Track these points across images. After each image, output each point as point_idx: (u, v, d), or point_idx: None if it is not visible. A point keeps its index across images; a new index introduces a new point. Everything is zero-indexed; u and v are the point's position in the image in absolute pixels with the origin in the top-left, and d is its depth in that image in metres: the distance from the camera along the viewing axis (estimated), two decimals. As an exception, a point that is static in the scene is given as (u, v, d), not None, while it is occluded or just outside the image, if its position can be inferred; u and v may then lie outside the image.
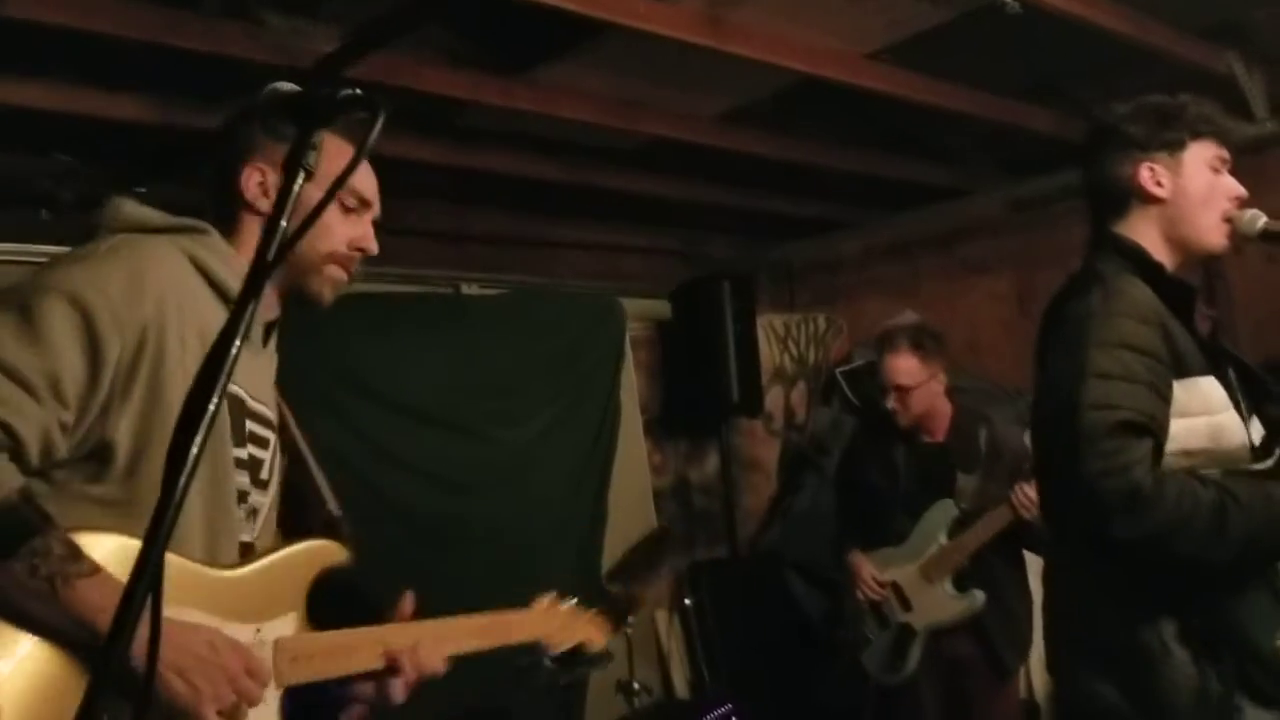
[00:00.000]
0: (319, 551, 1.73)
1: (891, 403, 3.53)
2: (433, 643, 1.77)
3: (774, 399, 5.68)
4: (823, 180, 5.05)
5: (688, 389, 5.28)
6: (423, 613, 3.76)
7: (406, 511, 4.10)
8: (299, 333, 4.04)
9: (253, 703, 1.53)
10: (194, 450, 0.96)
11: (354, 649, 1.70)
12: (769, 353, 5.65)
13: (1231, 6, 3.71)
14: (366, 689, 1.74)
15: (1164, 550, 1.76)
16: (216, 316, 1.63)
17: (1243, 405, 1.97)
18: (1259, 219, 2.03)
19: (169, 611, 1.01)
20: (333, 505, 1.78)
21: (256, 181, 1.72)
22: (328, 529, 1.75)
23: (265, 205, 1.72)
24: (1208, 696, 1.78)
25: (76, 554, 1.41)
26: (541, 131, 4.08)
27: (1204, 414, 1.88)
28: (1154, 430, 1.81)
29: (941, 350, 3.58)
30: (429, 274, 4.78)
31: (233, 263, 1.70)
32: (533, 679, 3.61)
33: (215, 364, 0.99)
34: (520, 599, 4.30)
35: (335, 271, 1.79)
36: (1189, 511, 1.75)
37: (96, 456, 1.51)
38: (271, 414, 1.82)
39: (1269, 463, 1.90)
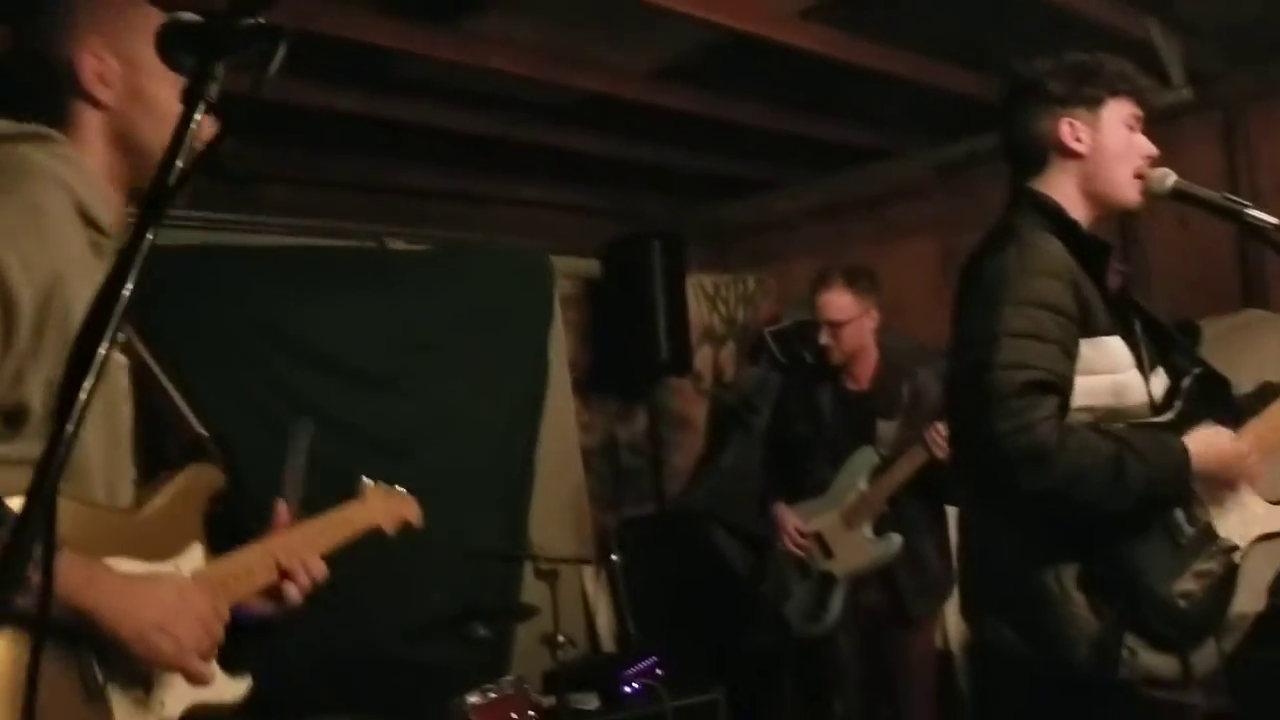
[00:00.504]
0: (204, 478, 1.70)
1: (825, 338, 3.59)
2: (307, 547, 1.79)
3: (703, 358, 5.71)
4: (753, 140, 5.06)
5: (617, 348, 5.28)
6: (351, 568, 3.74)
7: (329, 467, 4.02)
8: (221, 286, 4.01)
9: (219, 642, 1.54)
10: (82, 395, 0.92)
11: (253, 567, 1.71)
12: (698, 312, 5.67)
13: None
14: (264, 604, 1.75)
15: (1065, 500, 1.82)
16: (80, 243, 1.50)
17: (1146, 361, 2.03)
18: (1169, 177, 2.07)
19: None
20: (196, 425, 1.73)
21: (93, 68, 1.53)
22: (195, 451, 1.71)
23: (108, 97, 1.55)
24: (1104, 640, 1.84)
25: None
26: (470, 84, 4.03)
27: (1108, 372, 1.94)
28: (1061, 388, 1.86)
29: (874, 290, 3.64)
30: (354, 227, 4.72)
31: (93, 183, 1.54)
32: (461, 633, 3.62)
33: (106, 304, 0.95)
34: (445, 558, 4.32)
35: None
36: (1089, 464, 1.81)
37: (10, 419, 1.43)
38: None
39: (1169, 415, 1.96)
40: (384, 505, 2.07)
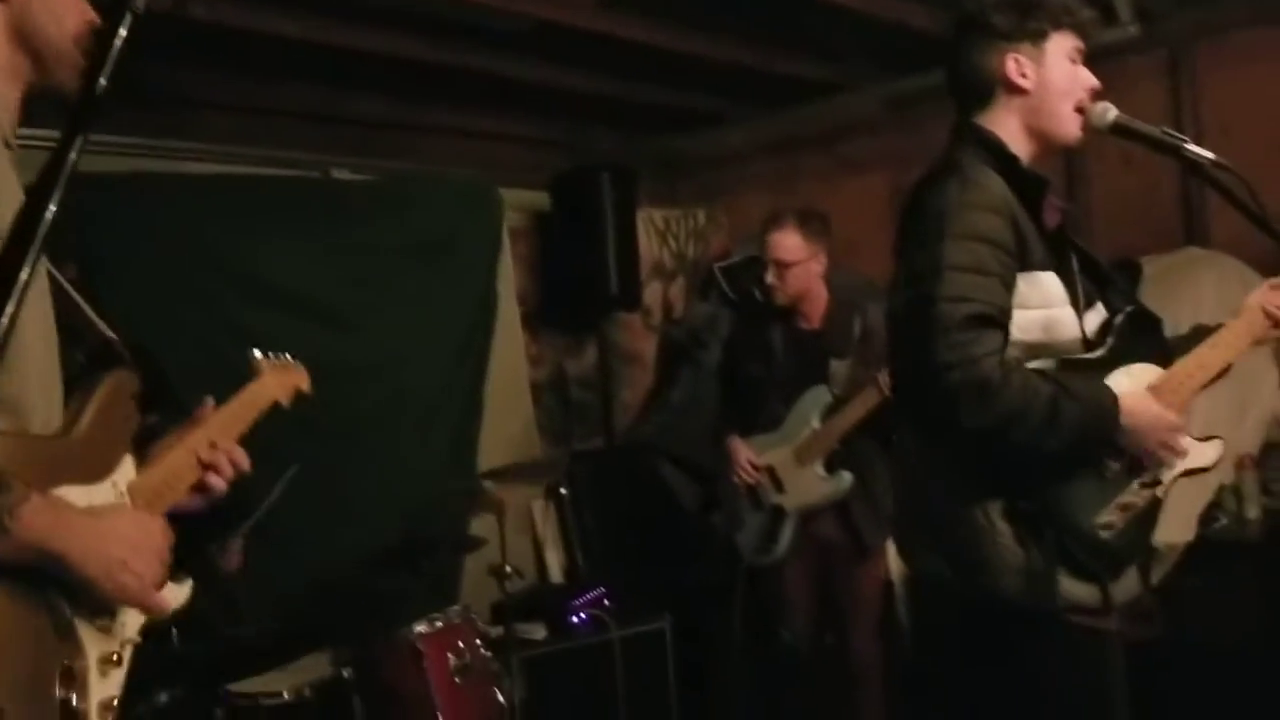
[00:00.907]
0: (122, 385, 1.66)
1: (770, 278, 3.60)
2: (223, 436, 1.80)
3: (653, 293, 5.71)
4: (706, 72, 5.01)
5: (566, 281, 5.25)
6: (298, 500, 3.75)
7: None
8: (159, 215, 3.93)
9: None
10: (9, 311, 0.90)
11: (180, 470, 1.72)
12: (649, 247, 5.65)
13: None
14: (191, 499, 1.76)
15: (1002, 437, 1.85)
16: None
17: (1081, 297, 2.05)
18: (1110, 111, 2.09)
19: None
20: (105, 329, 1.70)
21: None
22: (105, 356, 1.67)
23: None
24: (1031, 570, 1.89)
25: (3, 483, 1.34)
26: (418, 10, 3.94)
27: (1040, 307, 1.97)
28: (1002, 322, 1.89)
29: (825, 234, 3.65)
30: (297, 156, 4.63)
31: None
32: (409, 564, 3.65)
33: (31, 222, 0.93)
34: (393, 492, 4.32)
35: (78, 59, 1.52)
36: (1029, 403, 1.83)
37: None
38: None
39: (1100, 352, 2.00)
40: (277, 379, 2.06)
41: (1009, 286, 1.91)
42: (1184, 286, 4.07)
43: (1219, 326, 2.21)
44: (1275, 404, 4.01)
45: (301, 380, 2.14)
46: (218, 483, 1.76)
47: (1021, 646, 1.94)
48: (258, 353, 2.06)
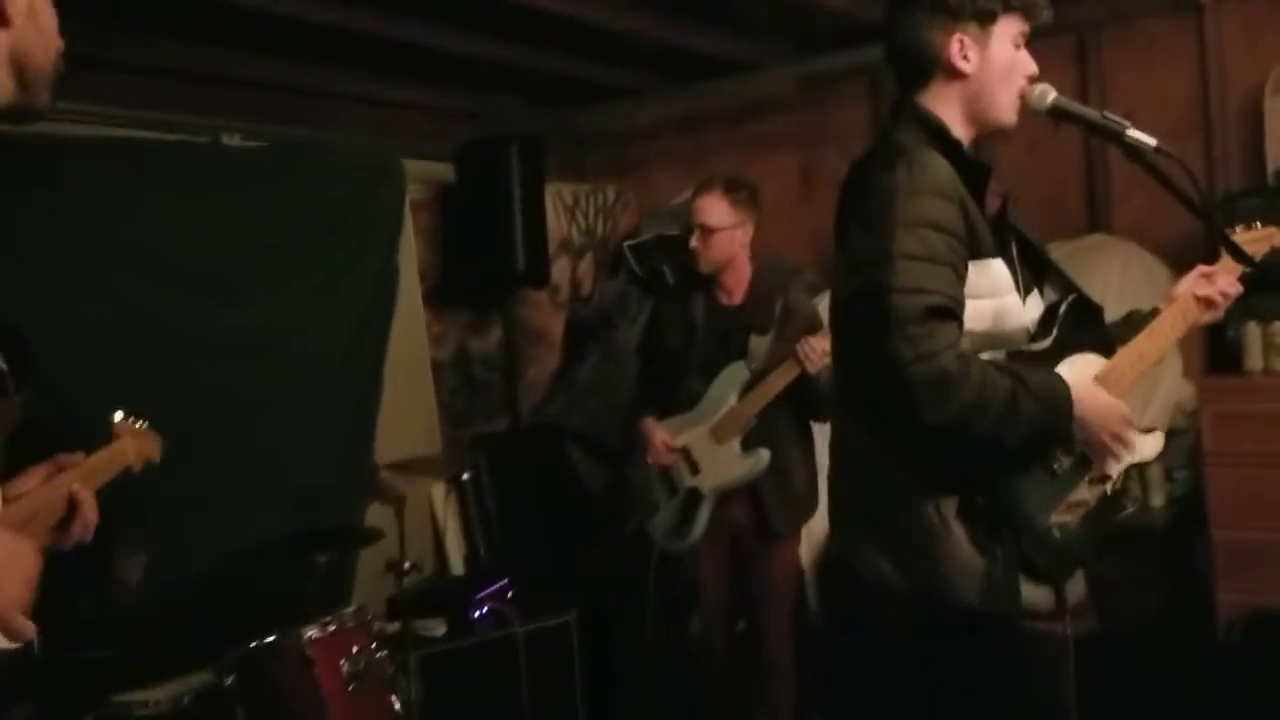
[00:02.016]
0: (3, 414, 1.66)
1: (694, 242, 3.53)
2: (85, 485, 1.81)
3: (560, 270, 5.57)
4: (618, 46, 4.89)
5: (471, 257, 5.07)
6: (180, 487, 3.53)
7: (157, 381, 3.75)
8: (33, 181, 3.66)
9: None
10: None
11: (47, 505, 1.73)
12: (557, 223, 5.51)
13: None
14: (59, 537, 1.77)
15: (961, 432, 1.76)
16: None
17: (1022, 285, 1.99)
18: (1049, 93, 2.02)
19: None
20: None
21: None
22: None
23: None
24: (989, 575, 1.82)
25: None
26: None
27: (990, 296, 1.90)
28: (959, 313, 1.80)
29: (753, 205, 3.59)
30: (185, 120, 4.37)
31: None
32: (299, 559, 3.46)
33: None
34: (284, 478, 4.11)
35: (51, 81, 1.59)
36: (988, 396, 1.76)
37: None
38: None
39: (1046, 343, 1.94)
40: (135, 444, 2.10)
41: (961, 276, 1.83)
42: (1091, 273, 4.09)
43: (1153, 311, 2.20)
44: (1178, 391, 4.07)
45: (155, 450, 2.18)
46: (86, 520, 1.76)
47: (973, 653, 1.87)
48: (119, 415, 2.10)
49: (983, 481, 1.85)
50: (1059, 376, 1.87)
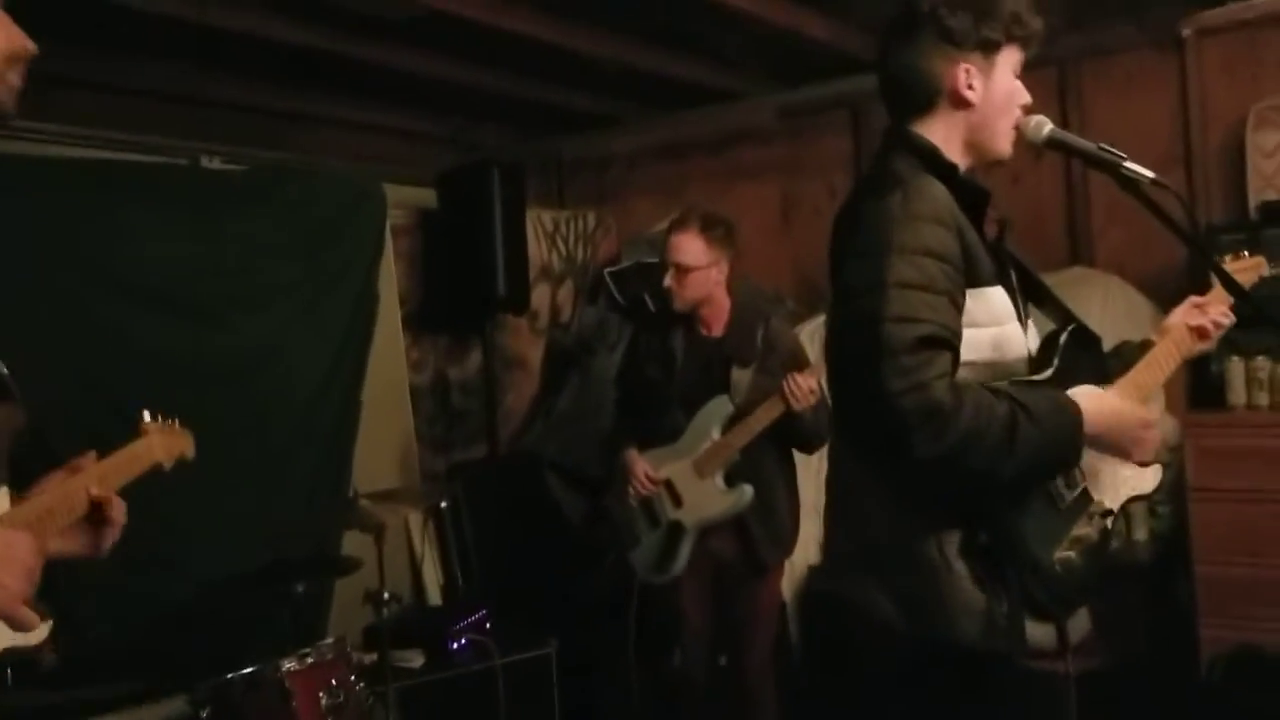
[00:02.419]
0: (5, 418, 1.66)
1: (668, 280, 3.48)
2: (104, 486, 1.78)
3: (540, 296, 5.54)
4: (598, 73, 4.89)
5: (451, 282, 5.03)
6: (155, 515, 3.44)
7: (130, 405, 3.66)
8: (6, 203, 3.59)
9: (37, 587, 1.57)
10: None
11: (57, 507, 1.70)
12: (537, 249, 5.48)
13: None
14: (74, 546, 1.75)
15: (959, 465, 1.72)
16: None
17: (1021, 312, 1.97)
18: (1045, 125, 2.00)
19: None
20: None
21: None
22: None
23: None
24: (993, 615, 1.78)
25: None
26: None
27: (990, 325, 1.86)
28: (953, 343, 1.76)
29: (729, 242, 3.54)
30: (164, 142, 4.31)
31: None
32: (275, 588, 3.38)
33: None
34: (259, 505, 4.03)
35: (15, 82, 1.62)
36: (984, 425, 1.71)
37: None
38: None
39: (1048, 373, 1.91)
40: (163, 441, 2.07)
41: (958, 305, 1.79)
42: (1072, 305, 4.07)
43: (1143, 344, 2.19)
44: (1161, 426, 4.06)
45: (187, 447, 2.15)
46: (112, 519, 1.74)
47: (974, 693, 1.82)
48: (147, 414, 2.07)
49: (985, 517, 1.81)
50: (1064, 394, 1.83)
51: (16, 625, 1.53)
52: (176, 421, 2.13)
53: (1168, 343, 2.15)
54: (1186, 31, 4.44)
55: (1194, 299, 2.23)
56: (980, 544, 1.78)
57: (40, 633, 1.63)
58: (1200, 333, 2.18)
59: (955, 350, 1.76)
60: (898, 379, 1.67)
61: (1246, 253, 2.36)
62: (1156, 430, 1.93)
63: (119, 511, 1.76)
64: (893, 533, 1.86)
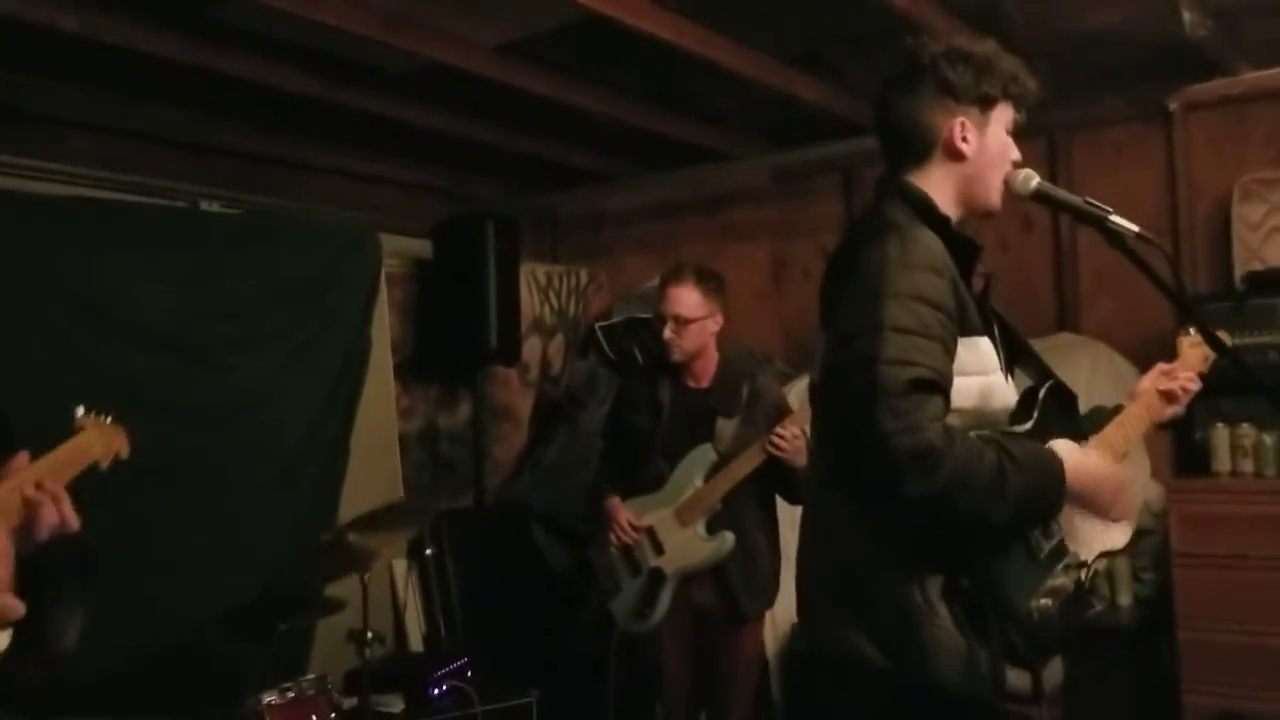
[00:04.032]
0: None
1: (668, 333, 3.51)
2: (42, 485, 1.76)
3: (531, 349, 5.56)
4: (595, 130, 4.96)
5: (443, 332, 5.06)
6: (142, 552, 3.41)
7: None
8: (6, 238, 3.62)
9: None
10: None
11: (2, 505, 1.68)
12: (530, 302, 5.52)
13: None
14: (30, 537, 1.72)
15: (947, 507, 1.74)
16: None
17: (1004, 365, 2.00)
18: (1033, 178, 2.05)
19: None
20: None
21: None
22: None
23: None
24: (973, 659, 1.79)
25: None
26: (303, 39, 3.76)
27: (978, 374, 1.89)
28: (945, 387, 1.78)
29: (721, 293, 3.60)
30: (164, 185, 4.36)
31: None
32: (259, 626, 3.36)
33: None
34: (245, 546, 4.02)
35: None
36: (974, 470, 1.73)
37: None
38: None
39: (1027, 425, 1.93)
40: (101, 438, 2.01)
41: (950, 352, 1.81)
42: (1060, 371, 4.10)
43: (1116, 408, 2.23)
44: (1146, 492, 4.09)
45: (122, 445, 2.08)
46: (46, 519, 1.71)
47: None
48: (81, 410, 2.02)
49: (967, 562, 1.82)
50: (1047, 446, 1.86)
51: (5, 614, 1.54)
52: (110, 418, 2.07)
53: (1138, 405, 2.21)
54: (1174, 106, 4.54)
55: (1162, 365, 2.29)
56: (961, 588, 1.79)
57: (4, 641, 1.62)
58: (1169, 396, 2.24)
59: (947, 395, 1.79)
60: (892, 420, 1.69)
61: (1193, 330, 2.37)
62: (1133, 489, 1.95)
63: (55, 507, 1.73)
64: (875, 576, 1.87)
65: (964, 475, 1.71)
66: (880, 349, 1.74)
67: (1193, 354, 2.31)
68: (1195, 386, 2.26)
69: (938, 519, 1.77)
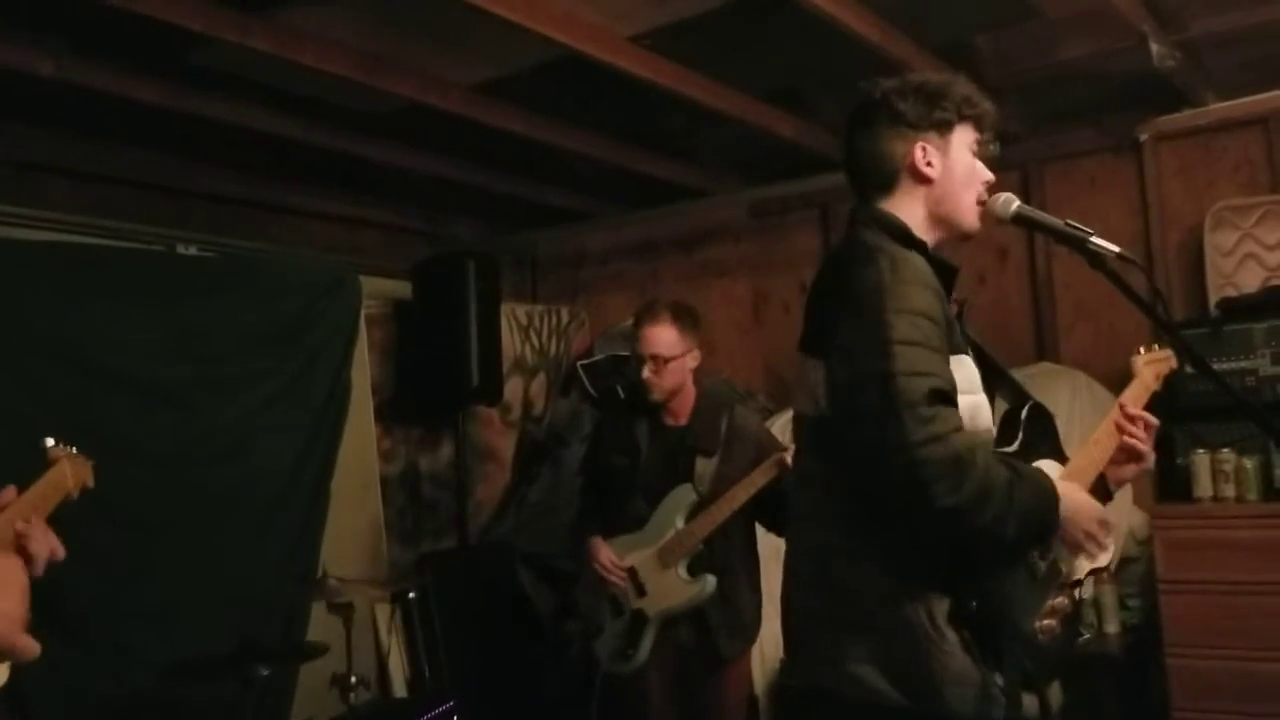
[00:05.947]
0: None
1: (647, 372, 3.48)
2: (33, 518, 1.77)
3: (513, 389, 5.54)
4: (573, 169, 4.98)
5: (424, 373, 5.03)
6: (120, 599, 3.35)
7: (96, 490, 3.62)
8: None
9: None
10: None
11: None
12: (510, 342, 5.51)
13: (956, 28, 3.89)
14: None
15: (972, 520, 1.73)
16: None
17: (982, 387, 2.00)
18: (1013, 202, 2.08)
19: None
20: None
21: None
22: None
23: None
24: (986, 685, 1.76)
25: None
26: (281, 82, 3.78)
27: (967, 392, 1.89)
28: (955, 399, 1.79)
29: (698, 329, 3.58)
30: (140, 229, 4.34)
31: None
32: (239, 672, 3.31)
33: None
34: (225, 592, 3.96)
35: None
36: (993, 483, 1.73)
37: None
38: None
39: (1014, 445, 1.93)
40: (72, 469, 2.02)
41: (948, 365, 1.83)
42: (1041, 399, 4.14)
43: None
44: (1130, 519, 4.10)
45: (88, 475, 2.09)
46: (39, 551, 1.70)
47: None
48: (50, 440, 2.04)
49: (972, 583, 1.81)
50: (1042, 470, 1.86)
51: (19, 654, 1.51)
52: (74, 449, 2.07)
53: (1109, 422, 2.14)
54: (1144, 136, 4.60)
55: (1121, 401, 2.18)
56: (969, 611, 1.78)
57: (3, 675, 1.62)
58: (1132, 454, 2.12)
59: (956, 406, 1.79)
60: (919, 429, 1.69)
61: (1156, 345, 2.39)
62: (1115, 530, 1.95)
63: (42, 541, 1.72)
64: (881, 600, 1.85)
65: (987, 487, 1.72)
66: (893, 362, 1.74)
67: (1147, 371, 2.28)
68: (1145, 448, 2.12)
69: (960, 533, 1.76)
